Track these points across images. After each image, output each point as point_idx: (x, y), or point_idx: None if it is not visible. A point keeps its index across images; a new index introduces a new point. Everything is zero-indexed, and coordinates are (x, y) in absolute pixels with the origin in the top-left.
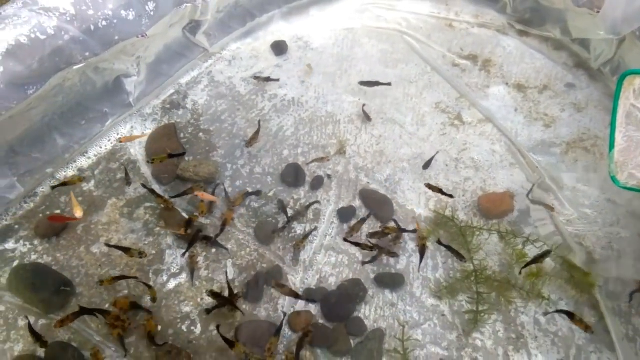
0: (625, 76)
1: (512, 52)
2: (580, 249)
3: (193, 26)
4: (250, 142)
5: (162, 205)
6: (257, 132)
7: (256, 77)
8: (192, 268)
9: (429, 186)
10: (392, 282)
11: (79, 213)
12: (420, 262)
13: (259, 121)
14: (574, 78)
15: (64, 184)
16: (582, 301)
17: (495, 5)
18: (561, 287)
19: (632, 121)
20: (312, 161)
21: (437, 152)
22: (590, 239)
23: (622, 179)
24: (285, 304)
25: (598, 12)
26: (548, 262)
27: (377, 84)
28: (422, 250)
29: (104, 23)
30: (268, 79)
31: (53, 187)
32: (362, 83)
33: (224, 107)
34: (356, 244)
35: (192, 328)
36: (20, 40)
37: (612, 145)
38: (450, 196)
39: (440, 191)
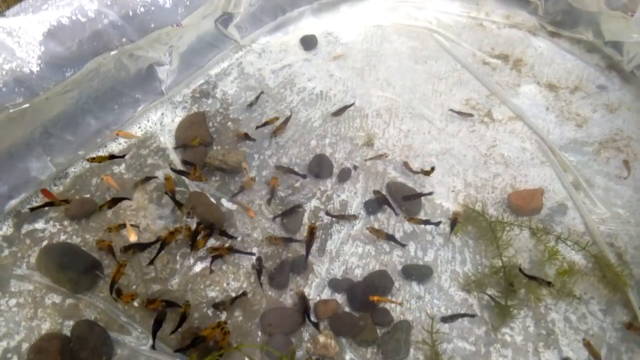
0: None
1: (543, 53)
2: (611, 248)
3: (225, 18)
4: (276, 131)
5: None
6: (285, 122)
7: (250, 105)
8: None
9: (423, 171)
10: (419, 274)
11: (133, 237)
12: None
13: (291, 113)
14: (606, 80)
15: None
16: (614, 300)
17: (527, 6)
18: (593, 285)
19: None
20: (371, 158)
21: (353, 103)
22: (622, 238)
23: None
24: (311, 292)
25: (632, 15)
26: (580, 261)
27: (345, 109)
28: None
29: (142, 9)
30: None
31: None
32: (333, 114)
33: (253, 98)
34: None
35: (217, 312)
36: (62, 22)
37: None
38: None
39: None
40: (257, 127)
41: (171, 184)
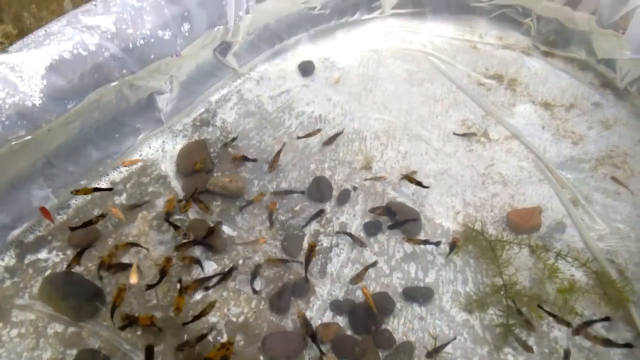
0: None
1: (537, 72)
2: (612, 265)
3: (224, 47)
4: (272, 165)
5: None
6: (277, 154)
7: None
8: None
9: (407, 177)
10: (420, 295)
11: (133, 280)
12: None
13: (284, 143)
14: (601, 97)
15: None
16: (616, 317)
17: (519, 27)
18: (594, 302)
19: None
20: (370, 179)
21: (342, 131)
22: (622, 255)
23: None
24: (313, 315)
25: (623, 33)
26: (580, 278)
27: (335, 137)
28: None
29: (142, 42)
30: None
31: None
32: (325, 143)
33: (252, 125)
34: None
35: (219, 338)
36: (64, 56)
37: None
38: (426, 187)
39: (418, 183)
40: (299, 138)
41: (172, 204)
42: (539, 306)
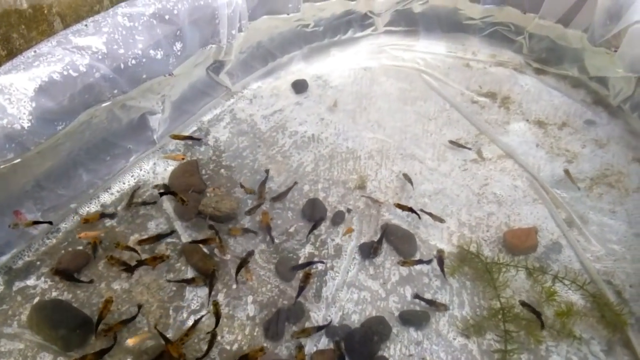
0: None
1: (530, 90)
2: (609, 286)
3: (216, 66)
4: (261, 195)
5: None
6: (263, 184)
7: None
8: None
9: (399, 205)
10: (417, 319)
11: (132, 342)
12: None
13: (267, 170)
14: (594, 114)
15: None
16: (614, 340)
17: (512, 45)
18: (592, 326)
19: None
20: (367, 197)
21: (295, 183)
22: (619, 276)
23: None
24: (307, 342)
25: (615, 50)
26: (578, 301)
27: (288, 191)
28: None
29: (134, 62)
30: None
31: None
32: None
33: (245, 144)
34: None
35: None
36: (53, 77)
37: None
38: (418, 215)
39: (410, 209)
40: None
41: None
42: (523, 303)
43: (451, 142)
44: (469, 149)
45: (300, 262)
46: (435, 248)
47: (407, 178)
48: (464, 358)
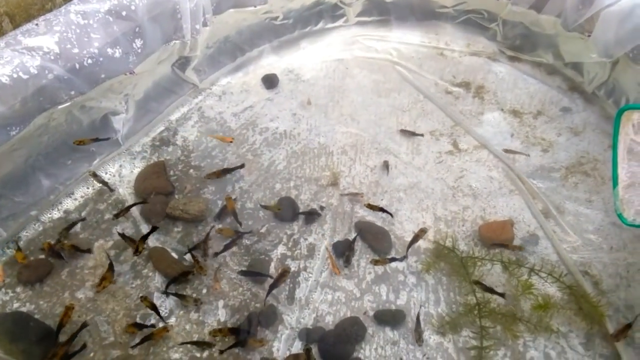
0: (622, 111)
1: (505, 78)
2: (586, 277)
3: (182, 62)
4: (210, 176)
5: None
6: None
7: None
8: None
9: (369, 206)
10: (392, 319)
11: None
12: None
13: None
14: (569, 102)
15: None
16: (592, 332)
17: (485, 33)
18: (570, 318)
19: (634, 157)
20: (347, 194)
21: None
22: (596, 267)
23: (630, 216)
24: (281, 346)
25: (589, 35)
26: (555, 293)
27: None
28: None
29: (90, 61)
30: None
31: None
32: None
33: (215, 143)
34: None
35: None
36: (2, 81)
37: (615, 182)
38: (391, 215)
39: (381, 209)
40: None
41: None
42: (476, 282)
43: (402, 130)
44: (421, 135)
45: (272, 264)
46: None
47: (386, 165)
48: (439, 356)
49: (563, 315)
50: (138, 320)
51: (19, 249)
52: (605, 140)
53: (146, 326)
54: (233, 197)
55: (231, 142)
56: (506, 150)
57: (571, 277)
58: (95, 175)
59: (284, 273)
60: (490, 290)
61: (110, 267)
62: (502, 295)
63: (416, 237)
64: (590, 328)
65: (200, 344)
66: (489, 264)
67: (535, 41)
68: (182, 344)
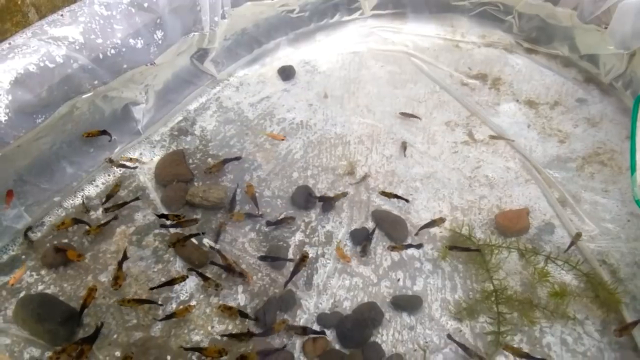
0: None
1: (521, 70)
2: (603, 266)
3: (201, 54)
4: (211, 169)
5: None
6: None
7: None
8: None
9: (384, 193)
10: (409, 304)
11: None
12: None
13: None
14: (585, 93)
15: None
16: (609, 320)
17: (501, 25)
18: (586, 306)
19: None
20: (356, 183)
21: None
22: (614, 255)
23: None
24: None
25: (605, 27)
26: (571, 281)
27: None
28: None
29: (113, 51)
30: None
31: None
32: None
33: (233, 132)
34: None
35: (203, 358)
36: (29, 69)
37: (633, 169)
38: (406, 200)
39: (396, 196)
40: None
41: None
42: (451, 247)
43: (402, 113)
44: (419, 118)
45: (290, 250)
46: (427, 233)
47: (404, 146)
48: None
49: (579, 302)
50: (160, 302)
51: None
52: (623, 132)
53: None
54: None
55: (283, 140)
56: (491, 137)
57: (587, 265)
58: (111, 161)
59: (303, 258)
60: (466, 249)
61: (120, 266)
62: (477, 250)
63: (432, 223)
64: (606, 315)
65: (238, 336)
66: (506, 252)
67: (552, 33)
68: (223, 336)
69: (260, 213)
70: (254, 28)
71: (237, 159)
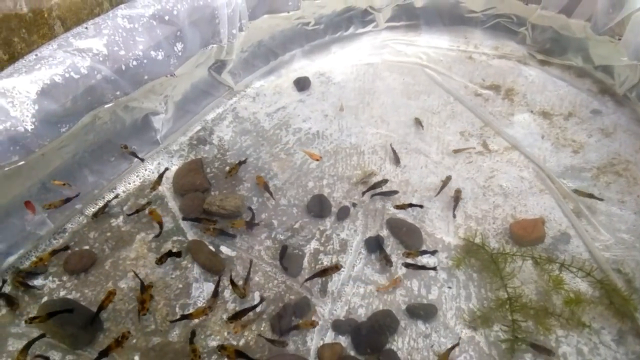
0: None
1: (535, 81)
2: (618, 275)
3: (218, 65)
4: (231, 172)
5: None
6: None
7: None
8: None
9: (398, 206)
10: (424, 312)
11: None
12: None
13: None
14: (600, 104)
15: None
16: (625, 330)
17: (515, 37)
18: (602, 314)
19: None
20: (371, 188)
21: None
22: (629, 264)
23: None
24: (314, 336)
25: (619, 39)
26: (586, 290)
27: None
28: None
29: (135, 63)
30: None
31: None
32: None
33: (249, 142)
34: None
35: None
36: (55, 80)
37: None
38: (420, 206)
39: (410, 205)
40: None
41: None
42: (406, 264)
43: (455, 151)
44: (472, 148)
45: (305, 258)
46: (441, 241)
47: (419, 122)
48: (471, 350)
49: (594, 311)
50: (177, 309)
51: None
52: (637, 142)
53: None
54: (267, 195)
55: (319, 160)
56: (455, 151)
57: (602, 274)
58: (126, 147)
59: (336, 267)
60: (422, 267)
61: (142, 288)
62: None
63: (445, 183)
64: (622, 324)
65: (274, 342)
66: (520, 260)
67: (565, 45)
68: (263, 338)
69: (258, 222)
70: (270, 40)
71: (244, 162)
